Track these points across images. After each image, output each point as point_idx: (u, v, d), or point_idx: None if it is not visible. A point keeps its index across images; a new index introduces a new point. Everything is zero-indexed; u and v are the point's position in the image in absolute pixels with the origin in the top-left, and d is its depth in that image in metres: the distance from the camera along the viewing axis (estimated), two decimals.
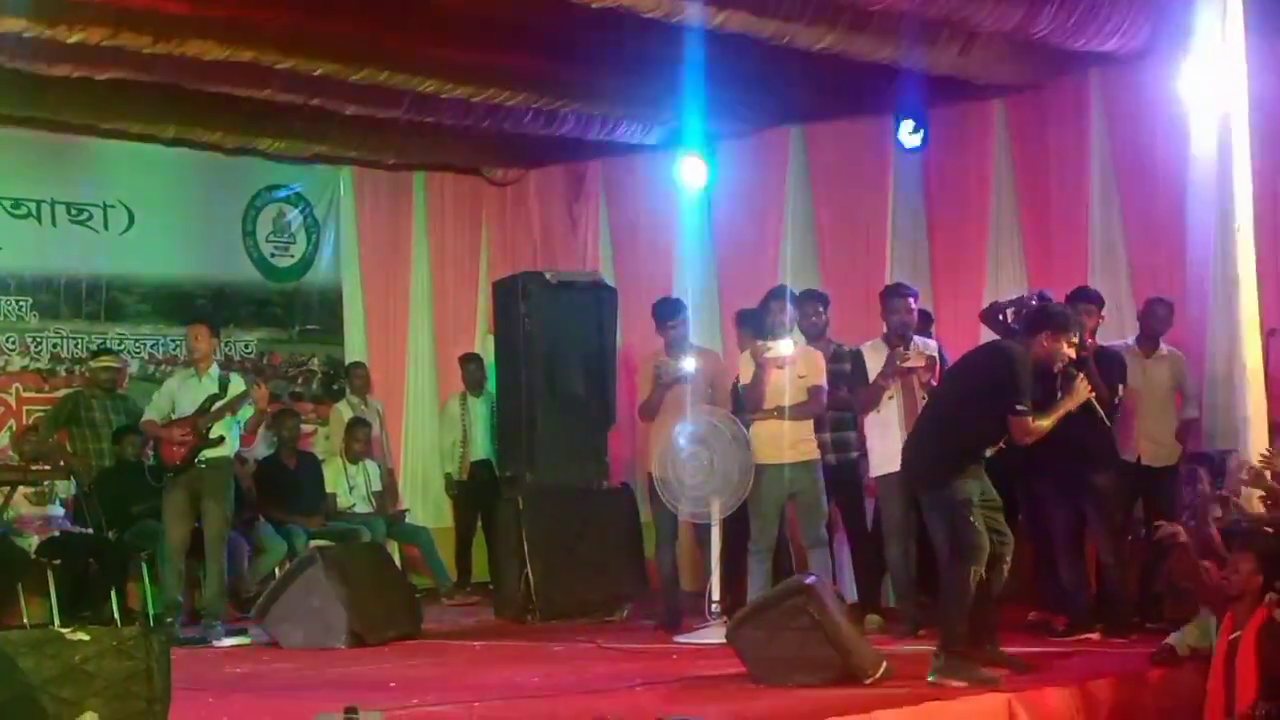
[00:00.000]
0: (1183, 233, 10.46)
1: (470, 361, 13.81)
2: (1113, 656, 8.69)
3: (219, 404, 10.59)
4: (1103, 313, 9.95)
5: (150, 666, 5.88)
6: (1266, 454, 8.46)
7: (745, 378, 10.14)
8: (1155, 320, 10.20)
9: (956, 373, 8.79)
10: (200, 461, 10.57)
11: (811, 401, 9.98)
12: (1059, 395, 8.15)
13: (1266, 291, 9.08)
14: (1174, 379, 10.19)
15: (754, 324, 10.45)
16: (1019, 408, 7.84)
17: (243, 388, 10.75)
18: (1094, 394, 8.34)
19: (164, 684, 5.95)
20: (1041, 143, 11.97)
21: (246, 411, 10.74)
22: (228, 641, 10.40)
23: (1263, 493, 8.43)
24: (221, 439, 10.61)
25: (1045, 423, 7.95)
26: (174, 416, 10.66)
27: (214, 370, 10.83)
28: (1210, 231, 9.18)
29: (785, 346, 9.93)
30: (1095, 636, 9.38)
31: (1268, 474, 8.34)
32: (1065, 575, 9.69)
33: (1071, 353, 8.12)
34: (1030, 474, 9.46)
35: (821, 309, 10.57)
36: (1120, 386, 9.60)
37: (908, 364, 9.83)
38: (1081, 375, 8.18)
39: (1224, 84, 8.63)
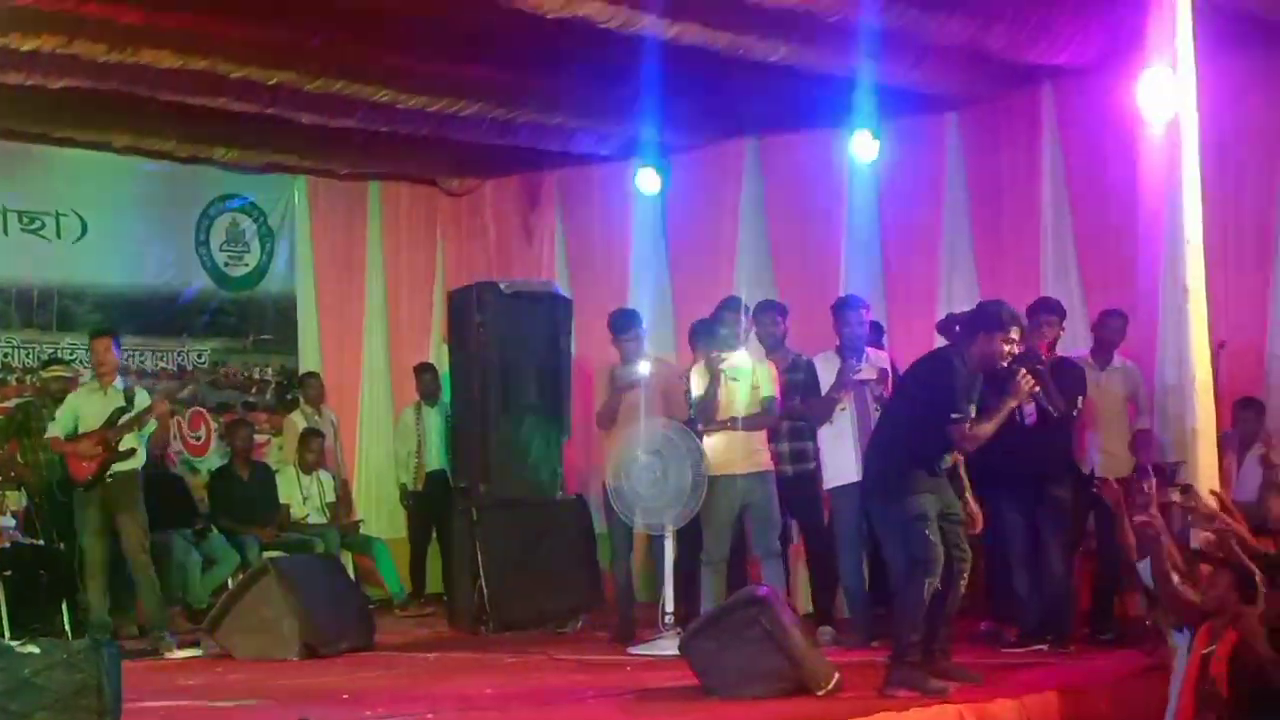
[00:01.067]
0: (1134, 245, 10.52)
1: (425, 371, 13.77)
2: (1064, 668, 8.72)
3: (126, 417, 10.54)
4: (1063, 324, 10.00)
5: (100, 680, 5.87)
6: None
7: (697, 389, 10.15)
8: (1109, 332, 10.25)
9: (902, 385, 8.83)
10: (109, 476, 10.51)
11: (765, 413, 10.00)
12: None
13: (1215, 304, 9.12)
14: (1128, 391, 10.22)
15: (707, 336, 10.45)
16: (954, 415, 7.84)
17: (149, 401, 10.72)
18: (1037, 388, 8.37)
19: (114, 696, 5.94)
20: (994, 155, 12.02)
21: (151, 426, 10.71)
22: (179, 653, 10.35)
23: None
24: (133, 451, 10.57)
25: (988, 426, 7.94)
26: (80, 431, 10.61)
27: (118, 383, 10.77)
28: (1161, 244, 9.22)
29: (738, 358, 9.95)
30: (1045, 648, 9.42)
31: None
32: (1019, 586, 9.72)
33: (1012, 349, 8.07)
34: (986, 485, 9.48)
35: (780, 319, 10.60)
36: (1079, 398, 9.65)
37: (860, 376, 9.87)
38: (1023, 371, 8.08)
39: (1175, 97, 8.67)
